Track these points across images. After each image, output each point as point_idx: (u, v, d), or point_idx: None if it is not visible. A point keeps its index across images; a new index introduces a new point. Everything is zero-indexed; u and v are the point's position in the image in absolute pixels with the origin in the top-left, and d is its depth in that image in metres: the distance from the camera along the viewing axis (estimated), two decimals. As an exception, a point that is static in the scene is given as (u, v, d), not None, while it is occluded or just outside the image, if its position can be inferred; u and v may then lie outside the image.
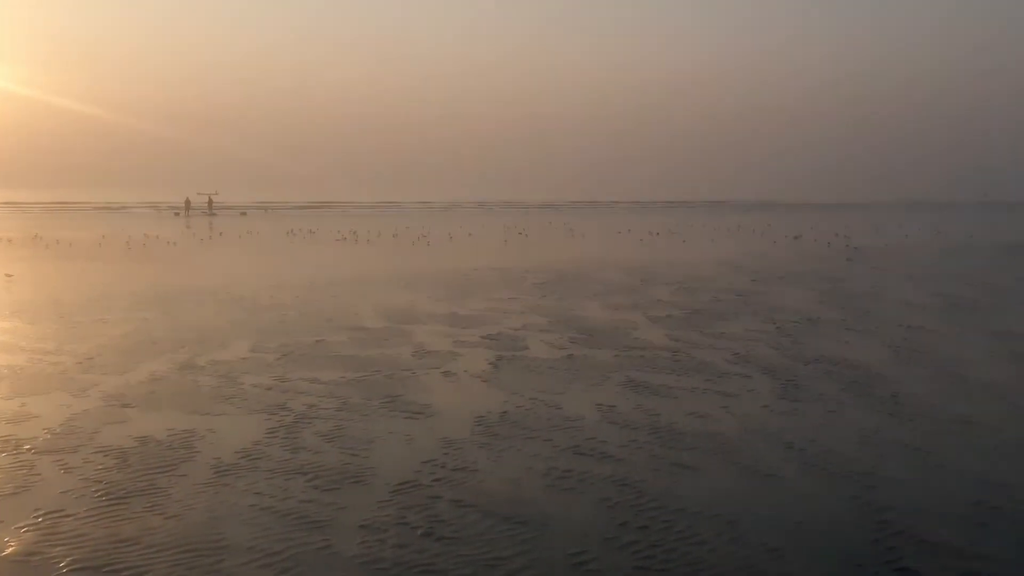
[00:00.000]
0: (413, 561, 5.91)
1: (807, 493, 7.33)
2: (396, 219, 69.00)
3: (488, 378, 11.56)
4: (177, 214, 75.29)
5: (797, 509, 6.96)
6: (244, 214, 76.68)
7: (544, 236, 47.60)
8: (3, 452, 8.23)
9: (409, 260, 30.74)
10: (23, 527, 6.42)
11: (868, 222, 65.94)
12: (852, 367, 12.34)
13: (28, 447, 8.40)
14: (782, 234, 49.24)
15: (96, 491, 7.22)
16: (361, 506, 6.90)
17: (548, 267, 27.81)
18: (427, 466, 7.90)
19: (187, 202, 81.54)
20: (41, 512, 6.73)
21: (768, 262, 30.45)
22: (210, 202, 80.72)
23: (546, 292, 21.06)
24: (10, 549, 6.03)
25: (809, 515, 6.83)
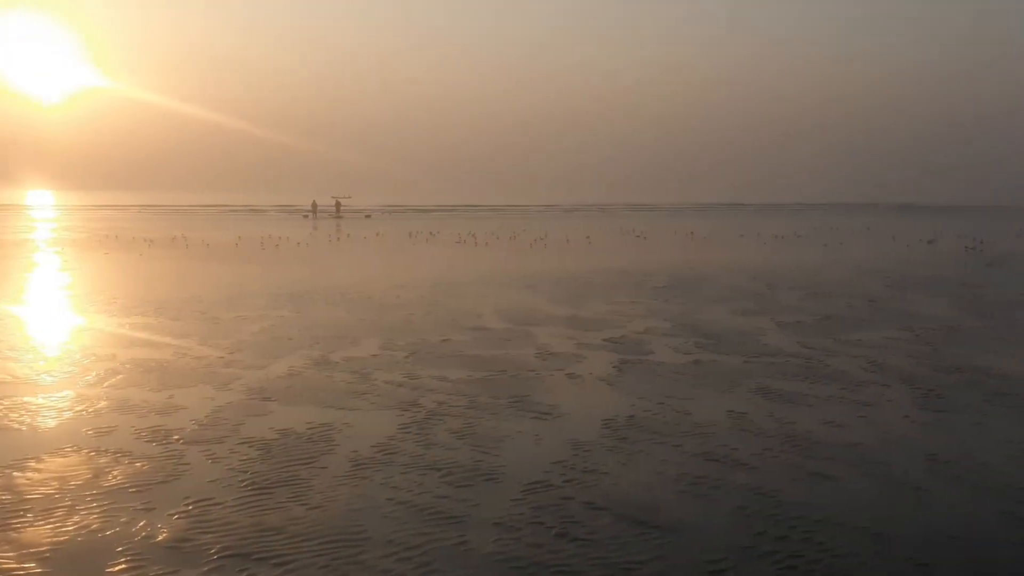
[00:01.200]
0: (548, 561, 5.93)
1: (955, 507, 6.99)
2: (514, 221, 69.51)
3: (613, 381, 11.50)
4: (306, 216, 77.86)
5: (945, 523, 6.64)
6: (368, 216, 78.72)
7: (664, 239, 47.05)
8: (154, 442, 8.67)
9: (528, 262, 30.90)
10: (174, 514, 6.74)
11: (1009, 226, 62.43)
12: (998, 377, 11.70)
13: (177, 437, 8.83)
14: (915, 237, 47.17)
15: (242, 480, 7.53)
16: (494, 504, 6.97)
17: (669, 270, 27.47)
18: (557, 467, 7.91)
19: (314, 205, 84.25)
20: (191, 500, 7.05)
21: (902, 267, 29.23)
22: (337, 205, 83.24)
23: (668, 296, 20.80)
24: (163, 535, 6.33)
25: (959, 530, 6.51)
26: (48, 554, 5.94)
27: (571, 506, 6.94)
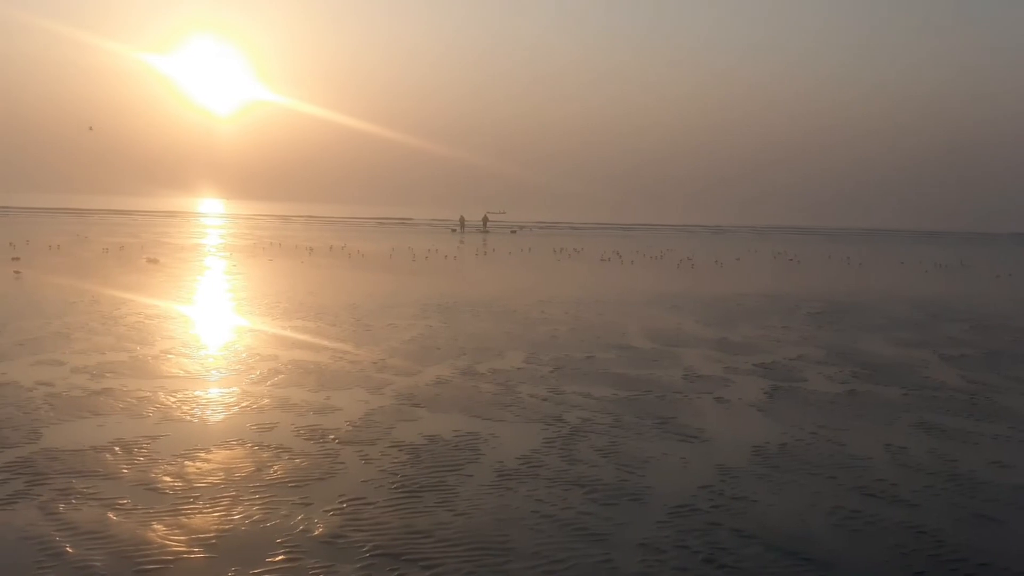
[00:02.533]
0: (694, 586, 5.83)
1: None
2: (662, 240, 68.77)
3: (764, 407, 11.19)
4: (453, 231, 79.63)
5: None
6: (515, 232, 79.72)
7: (819, 264, 45.46)
8: (312, 440, 9.06)
9: (675, 282, 30.50)
10: (330, 511, 7.02)
11: None
12: None
13: (333, 437, 9.19)
14: (1098, 271, 43.70)
15: (392, 483, 7.76)
16: (639, 524, 6.91)
17: (824, 296, 26.52)
18: (704, 491, 7.77)
19: (462, 219, 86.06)
20: (345, 498, 7.32)
21: (1082, 302, 27.13)
22: (485, 220, 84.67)
23: (822, 322, 20.08)
24: (319, 530, 6.60)
25: None
26: (214, 540, 6.30)
27: (719, 532, 6.80)
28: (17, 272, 25.77)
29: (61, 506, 6.85)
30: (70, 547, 6.06)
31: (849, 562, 6.31)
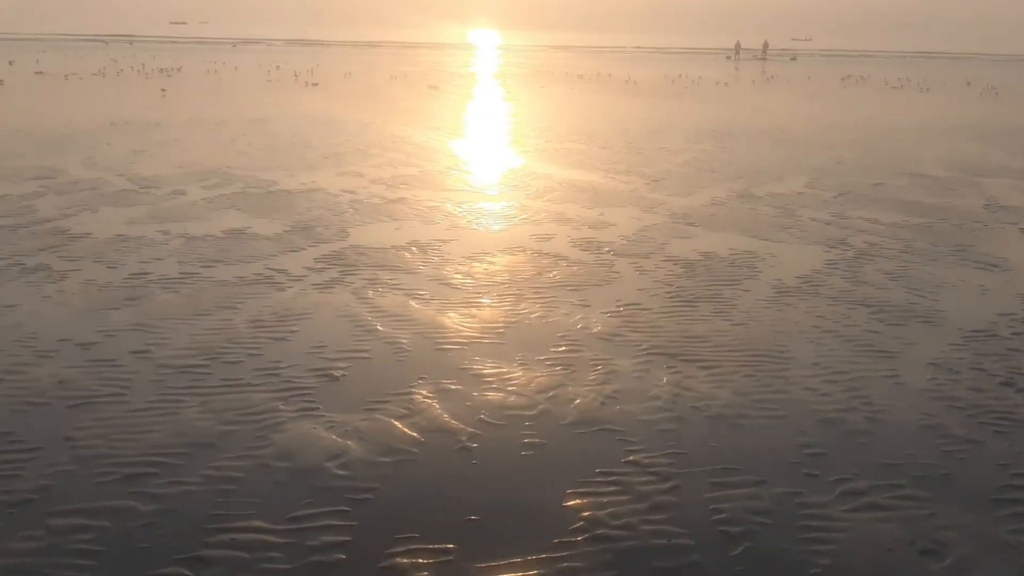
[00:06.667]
0: (991, 406, 5.51)
1: None
2: (967, 68, 61.68)
3: (1082, 240, 10.05)
4: (728, 58, 75.92)
5: None
6: (794, 59, 74.70)
7: None
8: (587, 251, 9.32)
9: (973, 110, 27.47)
10: (607, 313, 7.26)
11: None
12: None
13: (608, 249, 9.40)
14: None
15: (667, 292, 7.87)
16: (930, 344, 6.58)
17: None
18: (1005, 319, 7.21)
19: (737, 45, 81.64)
20: (622, 303, 7.53)
21: None
22: (765, 46, 79.83)
23: None
24: (598, 328, 6.87)
25: None
26: (502, 329, 6.76)
27: (1020, 358, 6.33)
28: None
29: (370, 293, 7.61)
30: (380, 326, 6.76)
31: None
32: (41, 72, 34.60)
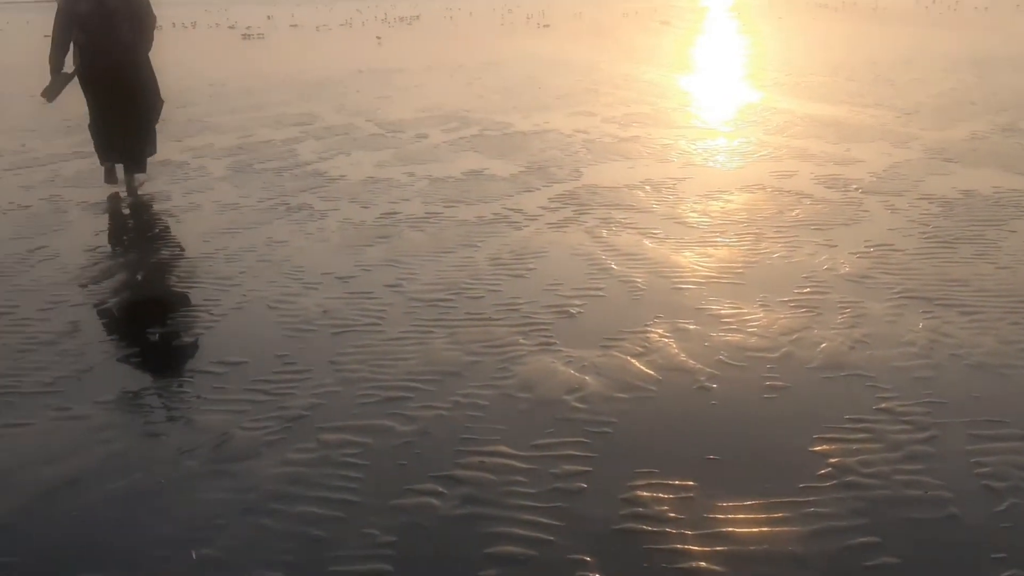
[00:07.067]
0: None
1: None
2: None
3: None
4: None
5: None
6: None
7: None
8: (833, 189, 8.85)
9: None
10: (855, 254, 6.88)
11: None
12: None
13: (855, 187, 8.88)
14: None
15: (922, 232, 7.34)
16: None
17: None
18: None
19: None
20: (871, 244, 7.11)
21: None
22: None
23: None
24: (845, 270, 6.53)
25: None
26: (740, 270, 6.59)
27: None
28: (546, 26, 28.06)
29: (604, 232, 7.65)
30: (614, 264, 6.79)
31: None
32: (296, 25, 37.12)
